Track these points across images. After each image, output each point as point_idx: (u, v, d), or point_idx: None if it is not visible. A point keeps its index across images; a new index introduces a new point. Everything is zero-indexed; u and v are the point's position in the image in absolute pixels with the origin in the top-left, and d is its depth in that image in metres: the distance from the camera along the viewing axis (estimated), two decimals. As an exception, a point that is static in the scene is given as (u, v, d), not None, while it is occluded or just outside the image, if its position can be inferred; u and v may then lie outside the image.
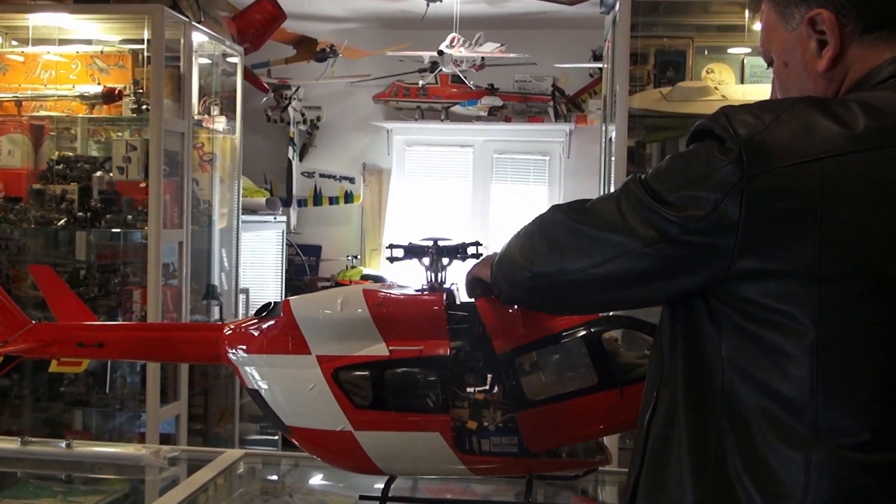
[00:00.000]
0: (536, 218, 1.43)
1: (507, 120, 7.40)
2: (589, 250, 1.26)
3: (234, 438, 4.86)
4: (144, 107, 3.84)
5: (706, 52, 3.74)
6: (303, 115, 7.49)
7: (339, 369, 1.97)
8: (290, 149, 7.60)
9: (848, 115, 1.13)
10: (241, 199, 4.75)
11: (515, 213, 7.68)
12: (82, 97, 3.92)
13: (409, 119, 7.48)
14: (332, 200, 7.76)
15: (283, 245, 6.27)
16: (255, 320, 2.09)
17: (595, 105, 7.14)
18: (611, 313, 1.92)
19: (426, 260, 2.08)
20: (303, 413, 2.00)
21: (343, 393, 1.96)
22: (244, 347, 2.08)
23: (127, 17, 3.96)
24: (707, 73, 3.55)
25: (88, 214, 3.86)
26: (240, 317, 4.81)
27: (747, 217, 1.11)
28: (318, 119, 7.67)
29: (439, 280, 2.07)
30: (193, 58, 4.10)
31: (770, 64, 1.34)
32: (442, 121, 7.39)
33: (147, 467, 2.48)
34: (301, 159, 7.75)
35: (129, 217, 3.85)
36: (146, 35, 3.85)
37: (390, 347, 1.94)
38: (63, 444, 2.49)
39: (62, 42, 4.15)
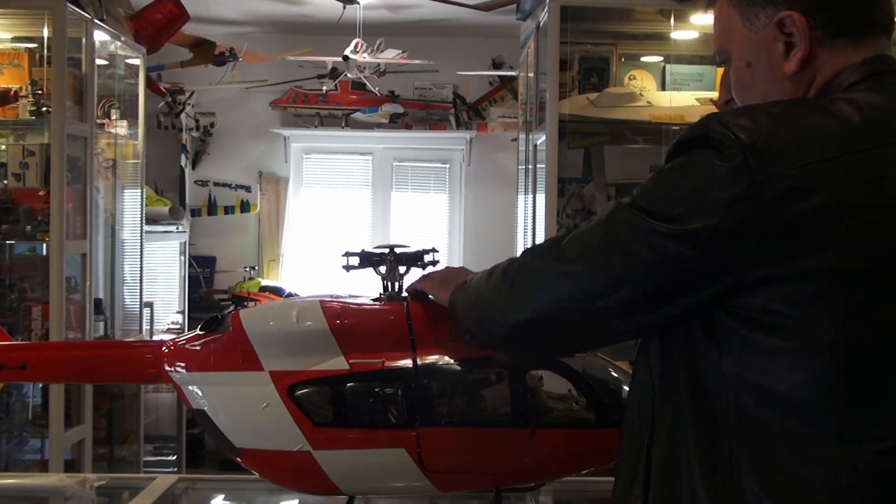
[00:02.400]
0: (511, 262, 1.34)
1: (408, 127, 7.35)
2: (584, 287, 1.18)
3: (139, 461, 4.60)
4: (45, 109, 3.58)
5: (623, 60, 3.79)
6: (196, 121, 7.23)
7: (295, 385, 1.85)
8: (183, 156, 7.32)
9: (843, 115, 1.11)
10: (144, 208, 4.51)
11: (416, 221, 7.65)
12: (-27, 98, 3.64)
13: (308, 126, 7.33)
14: (228, 210, 7.52)
15: (185, 257, 6.02)
16: (200, 335, 1.95)
17: (496, 113, 7.19)
18: None
19: (382, 268, 1.99)
20: (255, 433, 1.88)
21: (300, 410, 1.84)
22: (188, 365, 1.94)
23: (23, 13, 3.70)
24: (630, 79, 3.59)
25: (-20, 225, 3.58)
26: (143, 333, 4.57)
27: (761, 223, 1.06)
28: (212, 126, 7.42)
29: (395, 289, 1.99)
30: (94, 58, 3.86)
31: (725, 63, 1.30)
32: (343, 128, 7.28)
33: (74, 499, 2.28)
34: (194, 167, 7.48)
35: (28, 227, 3.58)
36: (46, 32, 3.60)
37: (350, 361, 1.84)
38: (-24, 476, 2.26)
39: (-50, 39, 3.85)
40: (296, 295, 7.13)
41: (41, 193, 3.61)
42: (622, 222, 1.14)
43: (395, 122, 7.28)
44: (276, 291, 7.19)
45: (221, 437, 1.89)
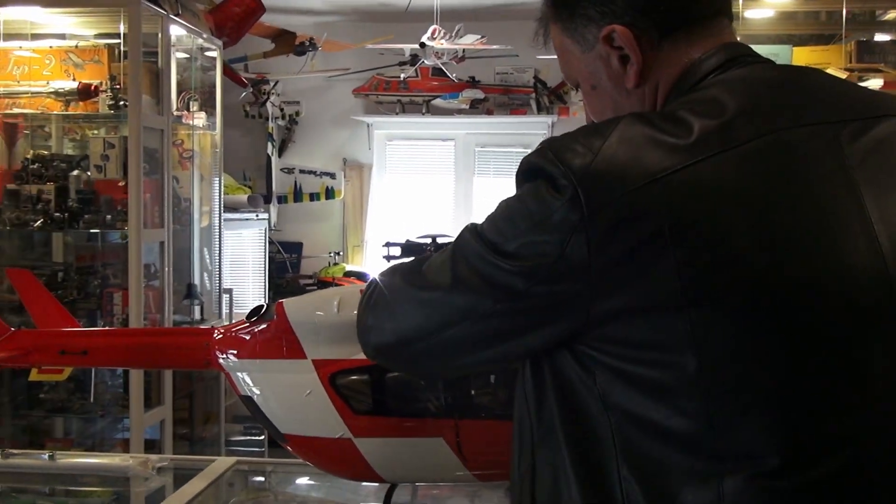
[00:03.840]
0: (375, 280, 1.32)
1: (489, 113, 7.33)
2: (430, 317, 1.15)
3: (220, 441, 4.76)
4: (122, 103, 3.71)
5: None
6: (282, 110, 7.38)
7: (337, 374, 1.88)
8: (270, 145, 7.48)
9: (680, 125, 1.03)
10: (222, 196, 4.64)
11: (498, 206, 7.62)
12: (57, 94, 3.79)
13: (389, 113, 7.39)
14: (313, 196, 7.66)
15: (265, 243, 6.16)
16: (247, 324, 2.00)
17: (578, 96, 7.07)
18: None
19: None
20: (299, 420, 1.91)
21: (341, 398, 1.87)
22: (236, 352, 1.98)
23: (102, 11, 3.84)
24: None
25: (66, 215, 3.74)
26: (223, 318, 4.71)
27: (597, 256, 1.00)
28: (297, 114, 7.56)
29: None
30: (171, 52, 3.98)
31: (577, 88, 1.25)
32: (423, 114, 7.30)
33: (133, 478, 2.38)
34: (280, 155, 7.63)
35: (109, 217, 3.73)
36: (122, 29, 3.73)
37: (391, 350, 1.85)
38: (46, 455, 2.38)
39: (35, 37, 4.02)
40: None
41: (121, 184, 3.75)
42: (469, 253, 1.10)
43: (476, 107, 7.27)
44: (361, 276, 7.29)
45: (268, 424, 1.93)
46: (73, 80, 3.80)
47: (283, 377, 1.89)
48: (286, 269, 7.43)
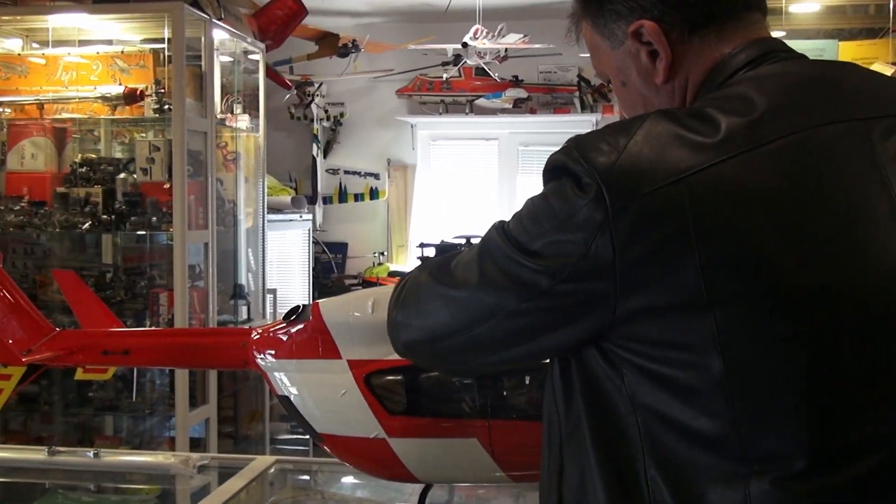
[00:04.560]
0: (407, 277, 1.34)
1: (533, 112, 7.30)
2: (457, 315, 1.15)
3: (264, 440, 4.82)
4: (167, 106, 3.78)
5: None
6: (326, 111, 7.44)
7: (371, 374, 1.89)
8: (314, 146, 7.55)
9: (707, 123, 1.02)
10: (266, 197, 4.69)
11: (543, 206, 7.59)
12: (104, 98, 3.87)
13: (433, 113, 7.40)
14: (358, 197, 7.71)
15: (309, 243, 6.22)
16: (284, 324, 2.02)
17: (622, 94, 7.03)
18: None
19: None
20: (335, 420, 1.93)
21: (375, 399, 1.88)
22: (273, 352, 2.01)
23: (146, 16, 3.91)
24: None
25: (113, 217, 3.82)
26: (267, 318, 4.76)
27: (621, 255, 0.99)
28: (342, 115, 7.61)
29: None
30: (214, 56, 4.04)
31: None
32: (466, 114, 7.31)
33: (177, 476, 2.43)
34: (325, 156, 7.70)
35: (154, 219, 3.80)
36: (166, 34, 3.79)
37: (424, 350, 1.85)
38: (91, 453, 2.44)
39: (82, 43, 4.11)
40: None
41: (166, 186, 3.82)
42: (495, 251, 1.10)
43: (520, 106, 7.25)
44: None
45: (305, 423, 1.95)
46: (120, 84, 3.88)
47: (318, 377, 1.91)
48: (332, 269, 7.49)
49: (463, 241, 2.01)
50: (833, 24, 3.50)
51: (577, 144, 1.05)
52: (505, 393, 1.80)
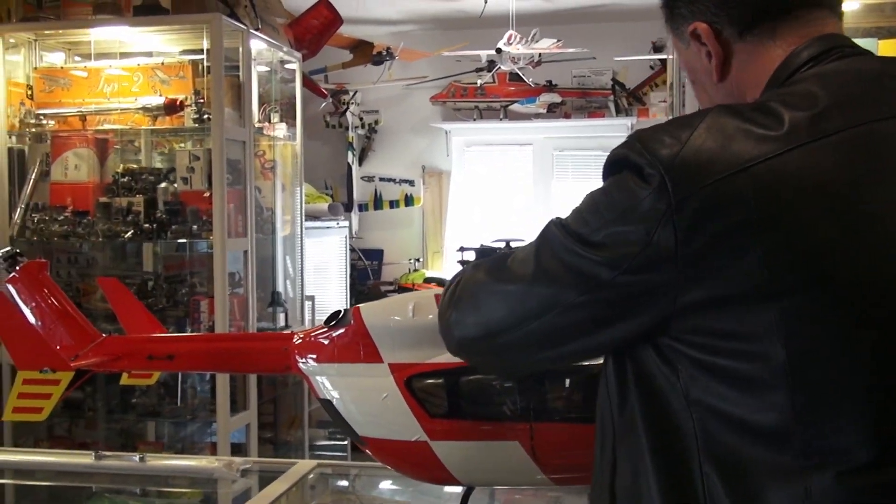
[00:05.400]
0: (458, 276, 1.34)
1: (567, 116, 7.30)
2: (514, 310, 1.16)
3: (303, 445, 4.85)
4: (206, 116, 3.83)
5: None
6: (361, 119, 7.50)
7: (413, 377, 1.90)
8: (350, 154, 7.61)
9: (769, 116, 1.03)
10: (303, 205, 4.73)
11: (578, 211, 7.58)
12: (145, 109, 3.93)
13: (467, 119, 7.43)
14: (393, 204, 7.75)
15: (346, 250, 6.26)
16: (325, 329, 2.04)
17: (658, 97, 7.01)
18: None
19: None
20: (376, 423, 1.94)
21: (417, 402, 1.89)
22: (314, 357, 2.03)
23: (186, 28, 3.97)
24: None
25: (154, 226, 3.87)
26: (306, 324, 4.80)
27: (684, 246, 1.00)
28: (377, 123, 7.67)
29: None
30: (252, 66, 4.09)
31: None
32: (500, 120, 7.32)
33: (220, 480, 2.46)
34: (360, 164, 7.76)
35: (195, 227, 3.85)
36: (205, 45, 3.85)
37: (464, 353, 1.86)
38: (136, 457, 2.48)
39: (123, 55, 4.18)
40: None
41: (205, 195, 3.87)
42: (555, 245, 1.11)
43: (554, 111, 7.25)
44: (440, 283, 7.35)
45: (346, 427, 1.97)
46: (160, 95, 3.94)
47: (360, 381, 1.93)
48: (367, 275, 7.54)
49: (502, 244, 2.01)
50: (873, 22, 3.46)
51: (639, 138, 1.07)
52: (547, 395, 1.80)
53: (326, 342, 1.98)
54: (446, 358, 1.85)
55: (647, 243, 1.02)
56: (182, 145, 4.25)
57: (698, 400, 1.05)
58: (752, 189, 0.99)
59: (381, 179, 7.76)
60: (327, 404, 1.99)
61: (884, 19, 3.48)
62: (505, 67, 6.40)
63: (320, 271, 5.91)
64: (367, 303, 2.05)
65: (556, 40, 6.47)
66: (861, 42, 3.13)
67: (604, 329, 1.11)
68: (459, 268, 2.12)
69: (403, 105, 7.66)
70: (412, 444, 1.86)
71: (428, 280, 7.39)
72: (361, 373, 1.93)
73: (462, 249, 1.91)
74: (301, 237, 4.63)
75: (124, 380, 2.61)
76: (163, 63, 4.02)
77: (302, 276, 4.63)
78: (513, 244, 1.99)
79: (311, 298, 4.83)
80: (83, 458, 2.53)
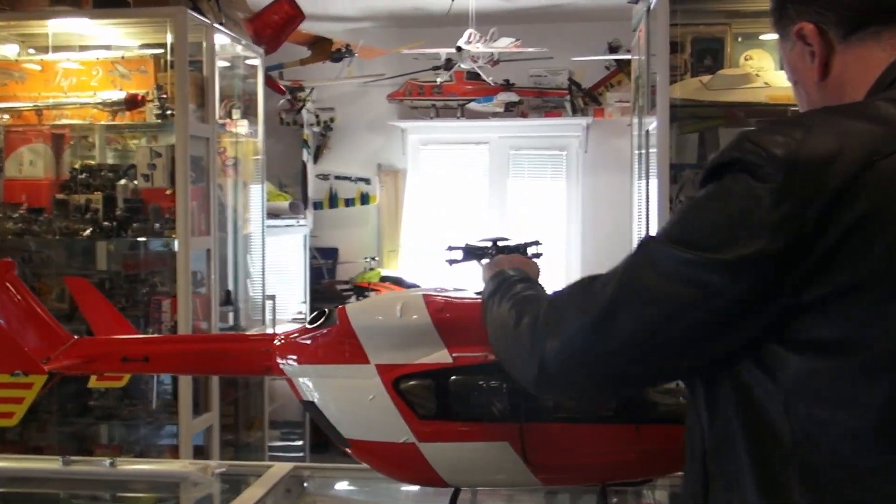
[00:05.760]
0: (532, 310, 1.29)
1: (524, 115, 7.32)
2: (626, 334, 1.11)
3: (264, 447, 4.79)
4: (169, 112, 3.74)
5: (739, 39, 3.65)
6: (317, 116, 7.42)
7: (400, 378, 1.88)
8: (305, 151, 7.52)
9: (879, 115, 1.05)
10: (265, 203, 4.66)
11: (533, 209, 7.62)
12: (104, 104, 3.83)
13: (424, 118, 7.40)
14: (348, 202, 7.69)
15: (306, 249, 6.19)
16: (309, 329, 2.00)
17: (614, 98, 7.07)
18: None
19: (486, 261, 1.99)
20: (362, 425, 1.92)
21: (405, 403, 1.87)
22: (297, 358, 1.99)
23: (147, 21, 3.88)
24: (745, 59, 3.45)
25: (114, 224, 3.77)
26: (266, 325, 4.73)
27: (810, 241, 1.00)
28: (332, 120, 7.60)
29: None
30: (215, 61, 4.01)
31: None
32: (458, 118, 7.31)
33: (196, 484, 2.39)
34: (315, 162, 7.67)
35: (157, 225, 3.76)
36: (169, 38, 3.76)
37: (454, 354, 1.85)
38: (107, 462, 2.40)
39: (83, 48, 4.06)
40: (416, 285, 7.24)
41: (168, 192, 3.78)
42: (660, 260, 1.08)
43: (511, 110, 7.26)
44: (396, 281, 7.31)
45: (331, 429, 1.94)
46: (120, 90, 3.84)
47: (346, 382, 1.90)
48: (322, 274, 7.46)
49: (489, 243, 1.99)
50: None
51: (749, 137, 1.06)
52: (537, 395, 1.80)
53: (310, 343, 1.95)
54: (434, 358, 1.84)
55: (770, 242, 1.01)
56: (136, 142, 4.16)
57: (799, 405, 1.04)
58: (870, 186, 1.00)
59: (337, 178, 7.68)
60: (310, 406, 1.96)
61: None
62: (465, 66, 6.39)
63: (280, 271, 5.83)
64: (352, 303, 2.02)
65: (514, 39, 6.48)
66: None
67: (722, 337, 1.08)
68: (448, 267, 2.10)
69: (359, 103, 7.60)
70: (400, 445, 1.84)
71: (384, 279, 7.35)
72: (347, 374, 1.90)
73: (451, 248, 1.87)
74: (263, 236, 4.56)
75: (93, 382, 2.54)
76: (123, 57, 3.92)
77: (263, 275, 4.56)
78: (499, 244, 1.96)
79: (272, 298, 4.77)
80: (50, 464, 2.45)
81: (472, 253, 2.01)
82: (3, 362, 2.06)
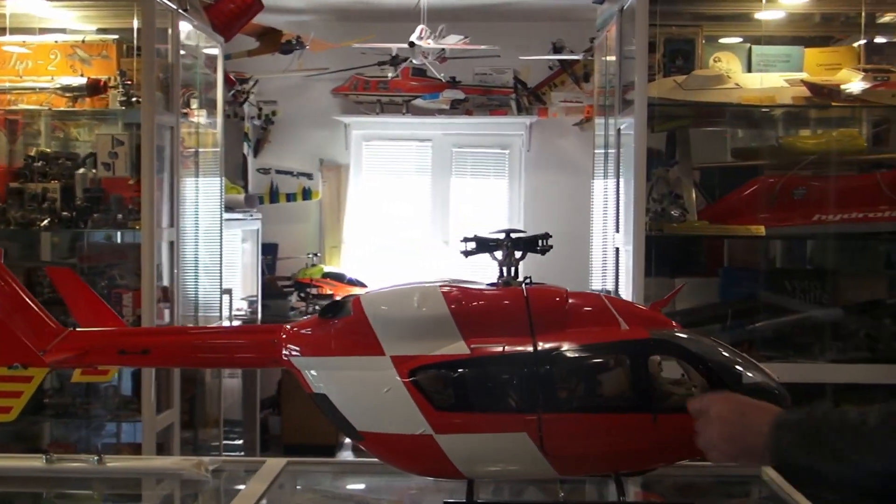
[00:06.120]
0: None
1: (469, 113, 7.34)
2: None
3: (220, 446, 4.68)
4: (135, 99, 3.62)
5: (704, 41, 3.73)
6: (260, 109, 7.29)
7: (417, 370, 1.87)
8: (245, 144, 7.38)
9: None
10: (223, 195, 4.56)
11: (475, 208, 7.65)
12: (65, 89, 3.68)
13: (369, 113, 7.35)
14: (290, 197, 7.58)
15: (258, 243, 6.07)
16: (319, 320, 1.97)
17: (558, 97, 7.14)
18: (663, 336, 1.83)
19: (499, 253, 1.99)
20: (377, 417, 1.89)
21: (422, 395, 1.86)
22: (307, 350, 1.96)
23: (109, 5, 3.75)
24: (714, 61, 3.54)
25: (74, 214, 3.63)
26: (223, 320, 4.63)
27: None
28: (274, 114, 7.48)
29: (511, 274, 1.98)
30: (179, 48, 3.90)
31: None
32: (403, 114, 7.29)
33: (185, 481, 2.33)
34: (256, 155, 7.55)
35: (120, 216, 3.63)
36: (136, 24, 3.63)
37: (471, 346, 1.85)
38: (94, 459, 2.31)
39: (43, 31, 3.89)
40: (358, 281, 7.19)
41: (131, 182, 3.66)
42: None
43: (456, 108, 7.28)
44: (339, 278, 7.25)
45: (342, 421, 1.91)
46: (81, 75, 3.69)
47: (360, 374, 1.87)
48: (263, 270, 7.33)
49: (502, 235, 2.00)
50: (798, 31, 3.66)
51: None
52: (555, 386, 1.81)
53: (321, 334, 1.92)
54: (451, 350, 1.84)
55: None
56: (79, 130, 4.01)
57: None
58: None
59: (278, 172, 7.57)
60: (322, 399, 1.93)
61: (809, 29, 3.68)
62: (416, 62, 6.37)
63: (232, 264, 5.71)
64: (367, 294, 1.99)
65: (462, 37, 6.49)
66: (788, 50, 3.28)
67: None
68: (463, 259, 2.08)
69: (302, 96, 7.51)
70: (416, 437, 1.83)
71: (326, 275, 7.28)
72: (362, 366, 1.88)
73: (466, 240, 1.87)
74: (221, 229, 4.45)
75: (76, 377, 2.43)
76: (83, 41, 3.77)
77: (221, 268, 4.45)
78: (513, 235, 1.96)
79: (229, 292, 4.66)
80: (33, 462, 2.34)
81: (484, 245, 2.01)
82: (0, 354, 1.97)
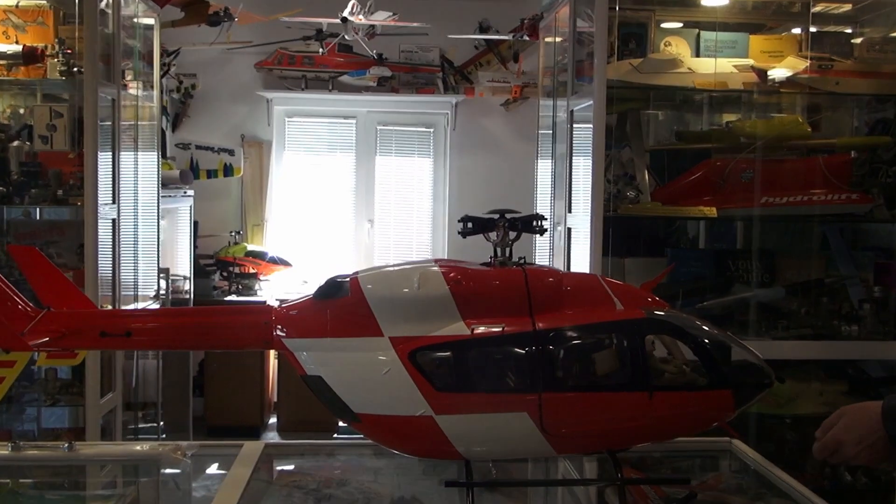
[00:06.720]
0: None
1: (395, 91, 7.28)
2: None
3: (158, 430, 4.54)
4: (75, 69, 3.44)
5: (657, 26, 3.79)
6: (180, 82, 7.05)
7: (416, 351, 1.85)
8: (164, 118, 7.13)
9: None
10: (161, 172, 4.39)
11: (400, 187, 7.62)
12: (-1, 56, 3.47)
13: (294, 88, 7.21)
14: (211, 174, 7.38)
15: (191, 221, 5.88)
16: (314, 302, 1.93)
17: (485, 77, 7.16)
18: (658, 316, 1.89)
19: (493, 234, 1.98)
20: (376, 399, 1.87)
21: (422, 375, 1.84)
22: (302, 331, 1.92)
23: (46, -31, 3.55)
24: (665, 45, 3.61)
25: (9, 189, 3.43)
26: (160, 299, 4.48)
27: None
28: (194, 87, 7.26)
29: (506, 254, 1.98)
30: (121, 16, 3.72)
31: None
32: (329, 91, 7.18)
33: (162, 465, 2.25)
34: (174, 130, 7.31)
35: (60, 192, 3.46)
36: (78, -11, 3.45)
37: (470, 326, 1.85)
38: (64, 445, 2.21)
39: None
40: (282, 260, 7.07)
41: (70, 156, 3.49)
42: None
43: (383, 85, 7.21)
44: (262, 256, 7.11)
45: (338, 403, 1.88)
46: (16, 42, 3.49)
47: (358, 356, 1.85)
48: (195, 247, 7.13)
49: (496, 216, 1.99)
50: (743, 18, 3.75)
51: None
52: (555, 365, 1.82)
53: (317, 315, 1.88)
54: (451, 330, 1.83)
55: None
56: (13, 100, 3.79)
57: None
58: None
59: (198, 147, 7.35)
60: (316, 381, 1.89)
61: (754, 16, 3.78)
62: (348, 37, 6.27)
63: (166, 243, 5.52)
64: (365, 274, 1.96)
65: (391, 13, 6.42)
66: (734, 36, 3.37)
67: None
68: (461, 239, 2.07)
69: (224, 70, 7.30)
70: (415, 419, 1.82)
71: (249, 254, 7.13)
72: (359, 347, 1.85)
73: (465, 219, 1.86)
74: (158, 206, 4.30)
75: (41, 360, 2.32)
76: (17, 6, 3.56)
77: (158, 246, 4.30)
78: (507, 216, 1.95)
79: (166, 271, 4.51)
80: (-1, 450, 2.22)
81: (480, 225, 2.00)
82: (-22, 337, 1.86)
